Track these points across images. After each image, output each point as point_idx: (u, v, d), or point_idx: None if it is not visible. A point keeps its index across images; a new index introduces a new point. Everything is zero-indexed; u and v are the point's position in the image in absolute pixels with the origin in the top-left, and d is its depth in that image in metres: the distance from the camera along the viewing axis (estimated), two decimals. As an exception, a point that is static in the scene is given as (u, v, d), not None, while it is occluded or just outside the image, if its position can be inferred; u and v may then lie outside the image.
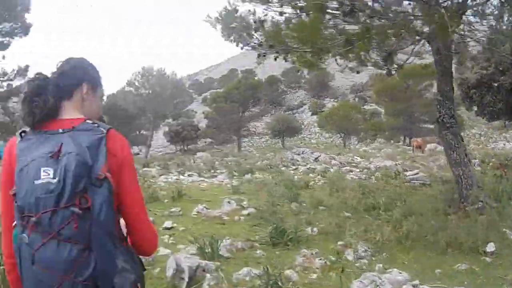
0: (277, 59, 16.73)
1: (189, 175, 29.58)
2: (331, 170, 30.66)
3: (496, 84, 30.28)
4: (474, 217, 12.36)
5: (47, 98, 2.94)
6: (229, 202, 16.70)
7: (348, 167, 33.03)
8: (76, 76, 3.09)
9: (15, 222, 2.74)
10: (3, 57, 34.47)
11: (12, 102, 38.37)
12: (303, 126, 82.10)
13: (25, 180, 2.65)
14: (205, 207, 15.97)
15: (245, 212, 15.33)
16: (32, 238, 2.60)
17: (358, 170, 31.59)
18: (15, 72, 34.12)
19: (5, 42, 34.36)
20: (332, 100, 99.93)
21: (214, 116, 69.23)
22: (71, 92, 3.07)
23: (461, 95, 33.17)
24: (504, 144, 58.16)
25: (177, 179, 27.51)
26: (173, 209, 15.22)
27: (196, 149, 70.70)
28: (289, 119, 71.56)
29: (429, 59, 19.33)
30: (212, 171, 32.58)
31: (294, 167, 34.05)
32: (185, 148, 73.31)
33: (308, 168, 32.35)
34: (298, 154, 43.22)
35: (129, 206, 2.96)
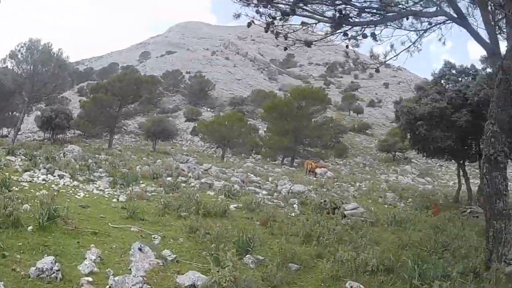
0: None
1: (59, 176, 22.44)
2: (235, 187, 25.76)
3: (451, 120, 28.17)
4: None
5: None
6: (140, 249, 10.27)
7: (252, 187, 27.81)
8: None
9: None
10: None
11: None
12: (178, 132, 75.78)
13: None
14: (99, 257, 9.80)
15: (182, 280, 9.21)
16: None
17: (265, 192, 26.86)
18: None
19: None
20: (208, 109, 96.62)
21: (91, 106, 61.13)
22: None
23: (401, 124, 30.91)
24: (397, 177, 54.53)
25: (44, 179, 21.10)
26: (43, 262, 8.86)
27: (65, 140, 65.00)
28: (165, 122, 66.00)
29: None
30: (87, 172, 24.99)
31: (184, 179, 27.64)
32: (54, 138, 66.18)
33: (203, 183, 26.49)
34: (182, 163, 35.99)
35: None
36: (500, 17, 13.97)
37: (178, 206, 16.83)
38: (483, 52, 17.77)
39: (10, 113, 67.54)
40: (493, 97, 13.01)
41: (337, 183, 36.79)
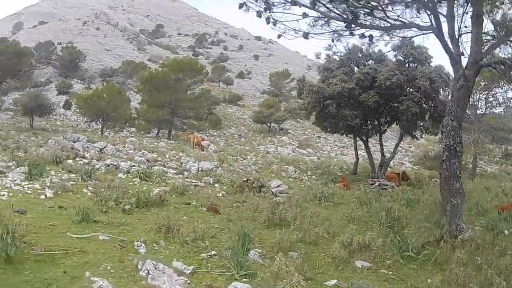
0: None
1: None
2: (143, 168, 24.30)
3: (359, 100, 29.25)
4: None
5: None
6: (155, 266, 9.28)
7: (160, 167, 25.86)
8: None
9: None
10: None
11: None
12: (53, 106, 71.26)
13: None
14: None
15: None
16: None
17: (173, 171, 25.39)
18: None
19: None
20: (79, 81, 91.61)
21: None
22: None
23: (309, 102, 30.56)
24: (277, 149, 54.69)
25: None
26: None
27: None
28: (41, 97, 59.63)
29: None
30: None
31: (86, 161, 25.16)
32: None
33: (109, 165, 24.35)
34: (75, 142, 33.06)
35: None
36: (462, 32, 16.01)
37: (115, 198, 15.36)
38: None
39: None
40: (452, 97, 15.49)
41: (229, 156, 35.44)
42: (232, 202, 17.77)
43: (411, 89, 28.33)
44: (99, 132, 52.44)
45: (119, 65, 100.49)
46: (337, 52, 16.70)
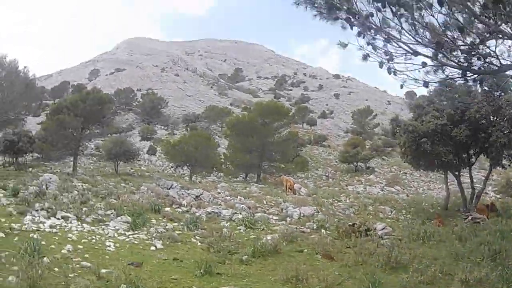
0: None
1: (64, 218, 19.28)
2: (247, 215, 24.82)
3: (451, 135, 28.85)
4: None
5: None
6: None
7: (262, 213, 26.39)
8: None
9: None
10: None
11: None
12: (138, 152, 72.19)
13: None
14: None
15: None
16: None
17: (275, 217, 25.91)
18: None
19: None
20: (162, 127, 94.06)
21: (52, 128, 54.62)
22: None
23: (405, 142, 30.54)
24: (365, 188, 53.86)
25: (51, 225, 17.83)
26: None
27: (26, 164, 56.43)
28: (126, 143, 60.73)
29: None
30: (85, 208, 21.74)
31: (184, 209, 25.83)
32: (17, 163, 58.21)
33: (210, 213, 24.79)
34: (168, 188, 33.27)
35: None
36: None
37: (230, 250, 16.04)
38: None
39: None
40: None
41: (324, 199, 35.33)
42: (342, 247, 17.94)
43: (497, 119, 28.25)
44: (186, 178, 53.09)
45: (201, 110, 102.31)
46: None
